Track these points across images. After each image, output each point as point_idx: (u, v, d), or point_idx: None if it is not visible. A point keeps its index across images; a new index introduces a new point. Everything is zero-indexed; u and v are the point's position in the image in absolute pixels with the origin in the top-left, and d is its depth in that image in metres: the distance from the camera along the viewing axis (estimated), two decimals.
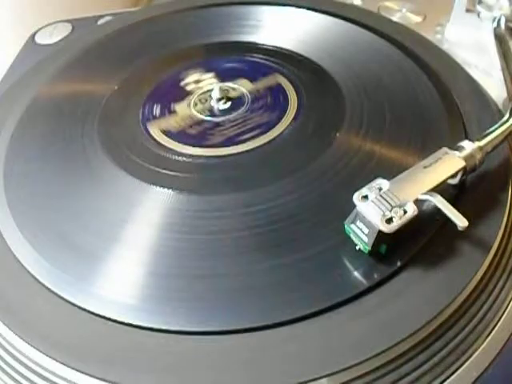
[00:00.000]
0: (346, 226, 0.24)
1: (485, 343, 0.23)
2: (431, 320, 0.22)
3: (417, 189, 0.24)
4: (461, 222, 0.23)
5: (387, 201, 0.23)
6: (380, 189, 0.24)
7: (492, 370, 0.23)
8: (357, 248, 0.24)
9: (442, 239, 0.25)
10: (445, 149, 0.26)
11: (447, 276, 0.24)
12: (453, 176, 0.25)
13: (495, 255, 0.25)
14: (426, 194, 0.24)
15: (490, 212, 0.26)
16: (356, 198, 0.24)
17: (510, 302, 0.25)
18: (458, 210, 0.23)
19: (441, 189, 0.25)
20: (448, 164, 0.25)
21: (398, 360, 0.22)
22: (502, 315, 0.24)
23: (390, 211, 0.23)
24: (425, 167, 0.25)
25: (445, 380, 0.23)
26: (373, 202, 0.23)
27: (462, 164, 0.25)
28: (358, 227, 0.24)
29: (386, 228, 0.23)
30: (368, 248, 0.24)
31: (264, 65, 0.35)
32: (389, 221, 0.23)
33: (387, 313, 0.23)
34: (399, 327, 0.22)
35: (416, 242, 0.25)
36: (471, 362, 0.23)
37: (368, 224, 0.23)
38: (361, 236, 0.24)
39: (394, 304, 0.23)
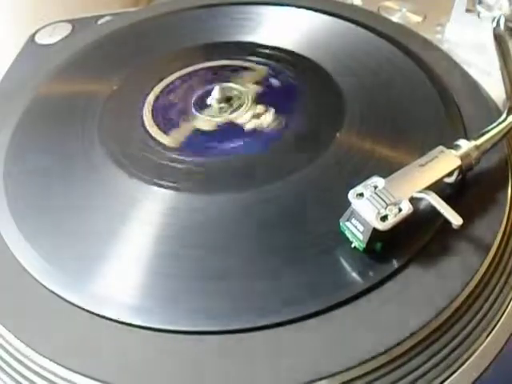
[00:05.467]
0: (341, 224, 0.24)
1: (485, 343, 0.23)
2: (431, 320, 0.22)
3: (412, 187, 0.24)
4: (455, 220, 0.23)
5: (382, 199, 0.23)
6: (375, 187, 0.24)
7: (492, 370, 0.23)
8: (352, 246, 0.24)
9: (441, 239, 0.25)
10: (441, 147, 0.26)
11: (447, 276, 0.24)
12: (449, 175, 0.25)
13: (495, 255, 0.25)
14: (421, 192, 0.24)
15: (490, 211, 0.26)
16: (351, 195, 0.24)
17: (510, 302, 0.25)
18: (458, 210, 0.23)
19: (439, 188, 0.25)
20: (444, 162, 0.25)
21: (398, 360, 0.22)
22: (502, 315, 0.24)
23: (385, 209, 0.23)
24: (420, 165, 0.25)
25: (445, 380, 0.22)
26: (368, 199, 0.23)
27: (458, 163, 0.25)
28: (353, 225, 0.24)
29: (381, 225, 0.23)
30: (363, 246, 0.24)
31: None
32: (383, 218, 0.23)
33: (387, 313, 0.23)
34: (399, 327, 0.22)
35: (415, 242, 0.24)
36: (471, 361, 0.23)
37: (363, 221, 0.23)
38: (356, 233, 0.24)
39: (394, 304, 0.23)
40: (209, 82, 0.34)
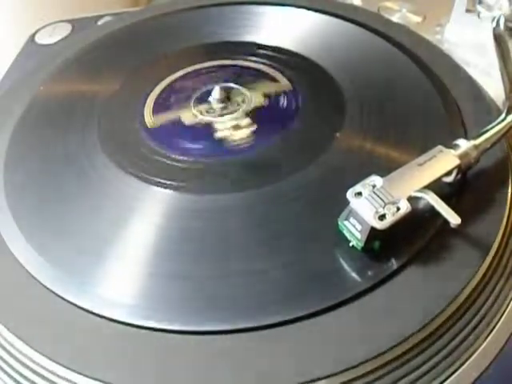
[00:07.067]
0: (339, 223, 0.24)
1: (485, 343, 0.23)
2: (431, 320, 0.22)
3: (410, 186, 0.24)
4: (453, 219, 0.23)
5: (380, 198, 0.23)
6: (374, 186, 0.24)
7: (492, 369, 0.23)
8: (350, 245, 0.24)
9: (441, 239, 0.25)
10: (439, 147, 0.26)
11: (446, 276, 0.24)
12: (447, 174, 0.25)
13: (495, 255, 0.25)
14: (419, 191, 0.24)
15: (490, 211, 0.26)
16: (350, 194, 0.24)
17: (510, 302, 0.25)
18: (457, 209, 0.23)
19: (439, 187, 0.25)
20: (442, 162, 0.25)
21: (398, 360, 0.22)
22: (502, 315, 0.24)
23: (383, 208, 0.23)
24: (419, 165, 0.25)
25: (445, 380, 0.22)
26: (366, 198, 0.23)
27: (457, 162, 0.25)
28: (352, 224, 0.24)
29: (379, 224, 0.23)
30: (361, 245, 0.24)
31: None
32: (382, 217, 0.23)
33: (386, 313, 0.23)
34: (398, 328, 0.22)
35: (414, 242, 0.24)
36: (471, 362, 0.23)
37: (361, 220, 0.23)
38: (354, 232, 0.24)
39: (393, 304, 0.23)
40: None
